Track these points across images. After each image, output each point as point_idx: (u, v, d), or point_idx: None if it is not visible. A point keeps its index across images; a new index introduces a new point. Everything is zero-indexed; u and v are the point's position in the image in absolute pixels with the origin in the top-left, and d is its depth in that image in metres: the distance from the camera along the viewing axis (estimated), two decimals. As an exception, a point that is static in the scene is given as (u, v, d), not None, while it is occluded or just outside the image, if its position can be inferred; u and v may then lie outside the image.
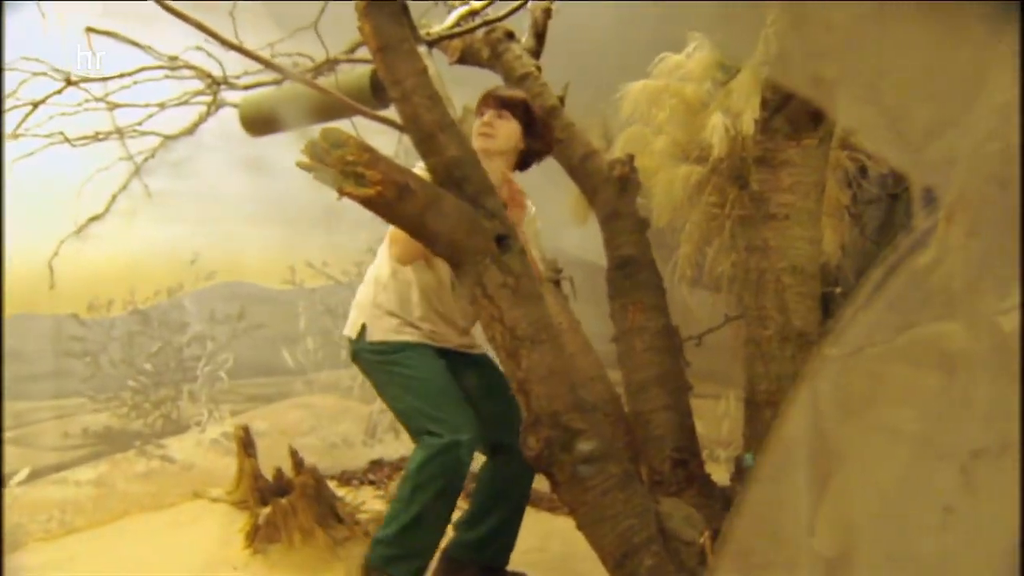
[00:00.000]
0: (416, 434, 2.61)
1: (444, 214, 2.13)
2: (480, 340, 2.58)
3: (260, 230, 4.85)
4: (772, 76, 2.66)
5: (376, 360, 2.71)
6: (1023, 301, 0.85)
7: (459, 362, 2.74)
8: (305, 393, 5.03)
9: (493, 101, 2.70)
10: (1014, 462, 0.82)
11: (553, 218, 2.89)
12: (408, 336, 2.68)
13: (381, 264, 2.76)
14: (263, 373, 4.89)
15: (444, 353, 2.71)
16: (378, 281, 2.75)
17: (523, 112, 2.68)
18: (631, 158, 3.26)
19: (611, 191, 3.21)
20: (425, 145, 2.21)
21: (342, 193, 2.03)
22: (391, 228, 2.54)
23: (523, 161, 2.76)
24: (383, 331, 2.69)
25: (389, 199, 2.04)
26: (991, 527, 0.85)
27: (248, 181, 4.74)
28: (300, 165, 2.03)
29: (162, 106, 4.02)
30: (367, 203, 2.05)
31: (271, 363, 4.92)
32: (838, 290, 3.68)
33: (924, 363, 0.96)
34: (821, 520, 1.00)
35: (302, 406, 5.00)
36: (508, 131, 2.66)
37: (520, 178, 2.81)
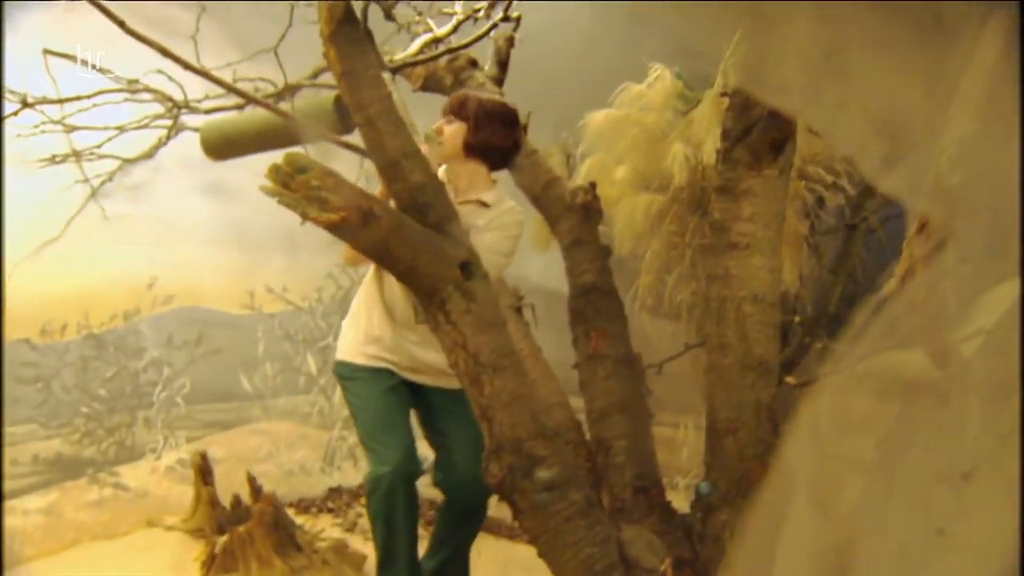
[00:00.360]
0: None
1: (408, 240, 2.13)
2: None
3: (219, 254, 4.80)
4: (740, 88, 2.66)
5: (340, 382, 2.73)
6: (1023, 306, 0.86)
7: (425, 394, 2.72)
8: (263, 419, 4.97)
9: (443, 112, 2.69)
10: (1006, 482, 0.84)
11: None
12: (363, 359, 2.66)
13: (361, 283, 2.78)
14: (220, 399, 4.83)
15: (405, 380, 2.69)
16: (356, 299, 2.76)
17: (462, 109, 2.64)
18: (593, 186, 3.28)
19: (573, 219, 3.23)
20: (389, 171, 2.21)
21: (305, 218, 2.02)
22: None
23: (484, 156, 2.68)
24: (347, 351, 2.69)
25: (353, 225, 2.04)
26: (984, 547, 0.86)
27: (207, 205, 4.71)
28: (264, 190, 2.02)
29: (121, 129, 3.98)
30: (331, 228, 2.04)
31: (229, 389, 4.86)
32: (796, 319, 3.72)
33: (889, 390, 0.97)
34: (802, 543, 1.01)
35: (260, 432, 4.94)
36: (451, 132, 2.62)
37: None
